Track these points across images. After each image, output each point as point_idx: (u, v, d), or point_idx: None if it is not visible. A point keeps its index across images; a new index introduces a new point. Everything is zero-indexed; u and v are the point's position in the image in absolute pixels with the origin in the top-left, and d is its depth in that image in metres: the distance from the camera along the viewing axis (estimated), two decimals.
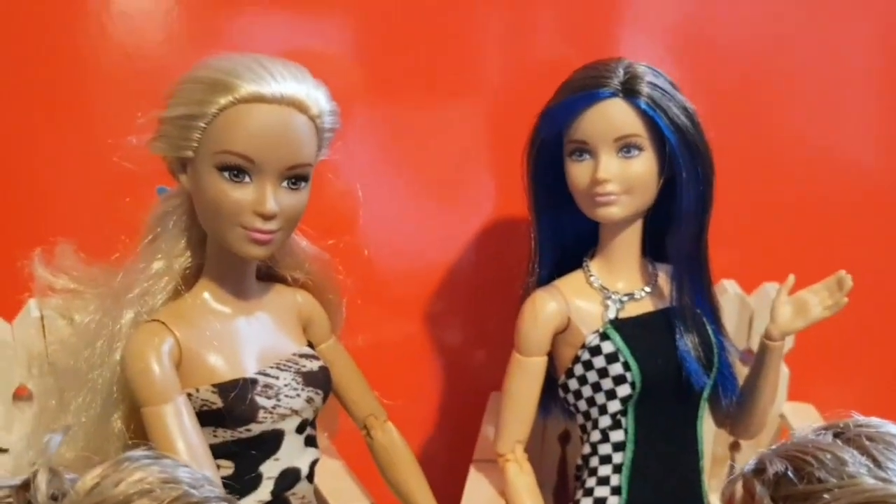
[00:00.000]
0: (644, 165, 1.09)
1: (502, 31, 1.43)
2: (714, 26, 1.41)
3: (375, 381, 1.23)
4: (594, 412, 1.15)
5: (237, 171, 0.95)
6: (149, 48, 1.37)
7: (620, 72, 1.08)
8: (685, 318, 1.14)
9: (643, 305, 1.16)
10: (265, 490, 1.04)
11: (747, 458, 0.72)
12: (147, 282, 1.02)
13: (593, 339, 1.13)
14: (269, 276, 1.13)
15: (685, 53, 1.42)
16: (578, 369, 1.14)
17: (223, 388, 0.99)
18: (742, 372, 1.24)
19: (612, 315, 1.14)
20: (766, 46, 1.41)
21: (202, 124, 0.94)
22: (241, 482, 1.02)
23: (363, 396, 1.21)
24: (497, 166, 1.45)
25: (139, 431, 0.99)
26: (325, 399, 1.10)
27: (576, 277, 1.18)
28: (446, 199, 1.47)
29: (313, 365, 1.09)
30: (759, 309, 1.39)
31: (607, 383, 1.12)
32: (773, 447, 0.71)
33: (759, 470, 0.69)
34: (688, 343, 1.13)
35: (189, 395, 0.99)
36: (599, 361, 1.13)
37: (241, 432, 1.00)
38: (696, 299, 1.16)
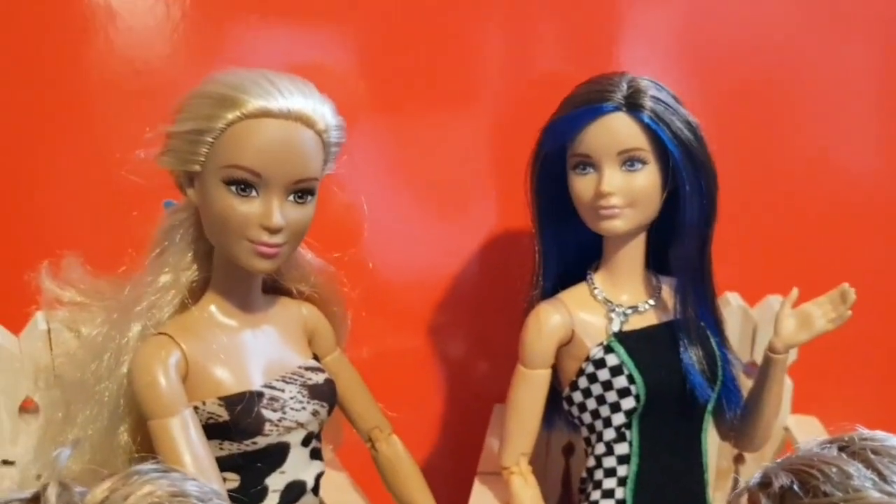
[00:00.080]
0: (647, 179, 1.10)
1: (506, 46, 1.44)
2: (716, 41, 1.42)
3: (380, 393, 1.24)
4: (598, 425, 1.15)
5: (244, 185, 0.95)
6: (156, 63, 1.38)
7: (624, 86, 1.09)
8: (689, 331, 1.14)
9: (647, 318, 1.16)
10: (271, 503, 1.04)
11: (751, 471, 0.73)
12: (154, 295, 1.02)
13: (597, 352, 1.13)
14: (274, 288, 1.13)
15: (688, 67, 1.43)
16: (583, 382, 1.15)
17: (229, 401, 1.00)
18: (746, 384, 1.24)
19: (616, 328, 1.15)
20: (769, 60, 1.42)
21: (210, 139, 0.95)
22: (247, 495, 1.02)
23: (368, 409, 1.21)
24: (501, 179, 1.46)
25: (146, 444, 0.99)
26: (330, 412, 1.10)
27: (580, 290, 1.18)
28: (450, 212, 1.48)
29: (319, 378, 1.09)
30: (762, 321, 1.39)
31: (611, 396, 1.13)
32: (778, 461, 0.71)
33: (764, 483, 0.69)
34: (692, 356, 1.13)
35: (195, 407, 0.99)
36: (604, 374, 1.13)
37: (247, 445, 1.00)
38: (699, 312, 1.16)
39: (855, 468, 0.67)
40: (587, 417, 1.16)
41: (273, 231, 0.96)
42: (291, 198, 0.98)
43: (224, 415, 0.99)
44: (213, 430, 0.99)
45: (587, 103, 1.10)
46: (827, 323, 1.13)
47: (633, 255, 1.16)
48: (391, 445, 1.23)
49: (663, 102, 1.09)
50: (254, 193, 0.96)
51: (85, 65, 1.38)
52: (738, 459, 1.45)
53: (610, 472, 1.15)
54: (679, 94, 1.13)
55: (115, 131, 1.35)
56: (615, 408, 1.13)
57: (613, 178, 1.09)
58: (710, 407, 1.16)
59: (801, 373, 1.39)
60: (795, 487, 0.67)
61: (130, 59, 1.38)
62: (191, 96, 0.97)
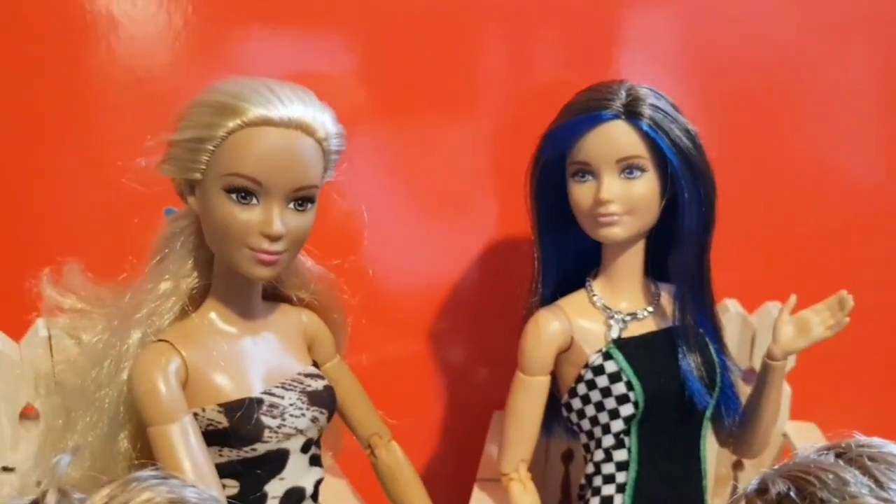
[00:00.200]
0: (646, 186, 1.10)
1: (506, 53, 1.44)
2: (715, 49, 1.42)
3: (380, 400, 1.24)
4: (597, 431, 1.15)
5: (245, 193, 0.96)
6: (158, 71, 1.39)
7: (623, 94, 1.09)
8: (688, 338, 1.15)
9: (646, 325, 1.17)
10: None
11: (750, 478, 0.73)
12: (154, 302, 1.03)
13: (596, 359, 1.14)
14: (274, 295, 1.13)
15: (687, 75, 1.43)
16: (581, 388, 1.15)
17: (229, 408, 1.00)
18: (745, 391, 1.24)
19: (615, 334, 1.15)
20: (768, 68, 1.42)
21: (210, 147, 0.96)
22: (247, 501, 1.03)
23: (367, 415, 1.22)
24: (500, 187, 1.46)
25: (145, 451, 1.00)
26: (329, 418, 1.10)
27: (579, 297, 1.18)
28: (450, 220, 1.48)
29: (318, 384, 1.10)
30: (761, 328, 1.40)
31: (610, 402, 1.13)
32: (776, 467, 0.71)
33: (761, 490, 0.70)
34: (690, 362, 1.13)
35: (195, 414, 0.99)
36: (602, 381, 1.13)
37: (247, 452, 1.01)
38: (698, 319, 1.16)
39: (852, 475, 0.67)
40: (586, 424, 1.16)
41: (273, 239, 0.97)
42: (292, 205, 0.98)
43: (223, 421, 0.99)
44: (212, 437, 1.00)
45: (586, 111, 1.10)
46: (825, 330, 1.13)
47: (631, 262, 1.17)
48: (391, 452, 1.23)
49: (662, 110, 1.10)
50: (254, 201, 0.96)
51: (87, 73, 1.38)
52: (737, 466, 1.45)
53: (609, 479, 1.15)
54: (678, 102, 1.14)
55: (117, 139, 1.36)
56: (614, 414, 1.13)
57: (612, 186, 1.09)
58: (708, 413, 1.16)
59: (800, 379, 1.39)
60: (792, 494, 0.67)
61: (132, 67, 1.39)
62: (191, 105, 0.98)
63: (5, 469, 1.18)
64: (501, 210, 1.47)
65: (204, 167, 0.97)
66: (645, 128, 1.08)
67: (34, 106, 1.39)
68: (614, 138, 1.09)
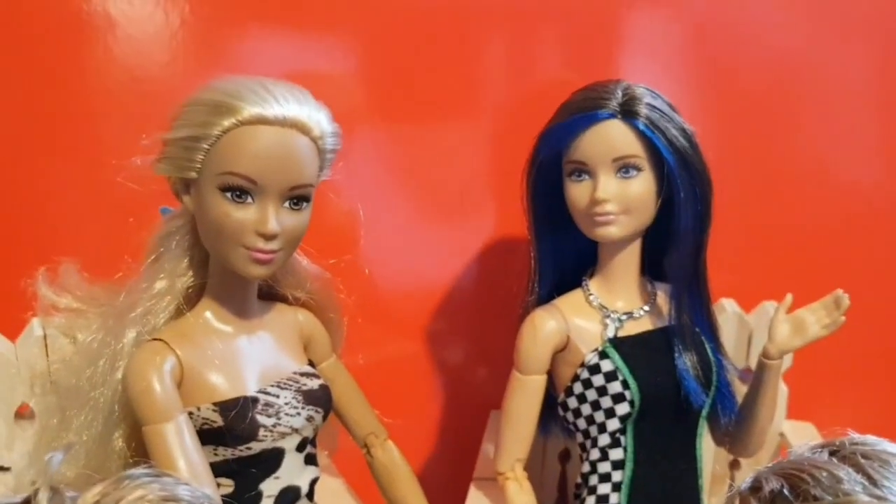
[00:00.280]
0: (642, 186, 1.10)
1: (504, 53, 1.44)
2: (712, 48, 1.42)
3: (376, 399, 1.24)
4: (593, 430, 1.15)
5: (240, 191, 0.96)
6: (154, 71, 1.39)
7: (619, 93, 1.09)
8: (684, 337, 1.15)
9: (642, 324, 1.17)
10: None
11: (746, 478, 0.73)
12: (150, 301, 1.03)
13: (592, 358, 1.14)
14: (270, 295, 1.13)
15: (685, 76, 1.43)
16: (578, 388, 1.15)
17: (224, 407, 1.00)
18: (741, 390, 1.24)
19: (611, 334, 1.15)
20: (765, 68, 1.42)
21: (205, 146, 0.95)
22: (242, 500, 1.03)
23: (363, 415, 1.22)
24: (497, 186, 1.46)
25: (140, 450, 1.00)
26: (325, 417, 1.10)
27: (575, 296, 1.18)
28: (446, 219, 1.48)
29: (314, 383, 1.10)
30: (757, 328, 1.40)
31: (606, 402, 1.13)
32: (769, 465, 0.71)
33: (755, 488, 0.70)
34: (686, 361, 1.14)
35: (190, 413, 0.99)
36: (598, 380, 1.13)
37: (242, 450, 1.01)
38: (694, 318, 1.16)
39: (845, 472, 0.67)
40: (582, 423, 1.16)
41: (268, 237, 0.97)
42: (287, 204, 0.98)
43: (218, 420, 0.99)
44: (207, 436, 1.00)
45: (582, 110, 1.10)
46: (821, 329, 1.13)
47: (628, 261, 1.17)
48: (387, 451, 1.23)
49: (658, 110, 1.10)
50: (249, 200, 0.96)
51: (83, 72, 1.38)
52: (734, 465, 1.45)
53: (605, 478, 1.15)
54: (677, 102, 1.14)
55: (114, 139, 1.36)
56: (610, 413, 1.13)
57: (608, 185, 1.09)
58: (704, 412, 1.16)
59: (797, 379, 1.39)
60: (786, 491, 0.67)
61: (129, 66, 1.39)
62: (187, 103, 0.98)
63: (1, 468, 1.18)
64: (498, 209, 1.47)
65: (199, 166, 0.97)
66: (641, 127, 1.08)
67: (30, 105, 1.39)
68: (611, 138, 1.09)
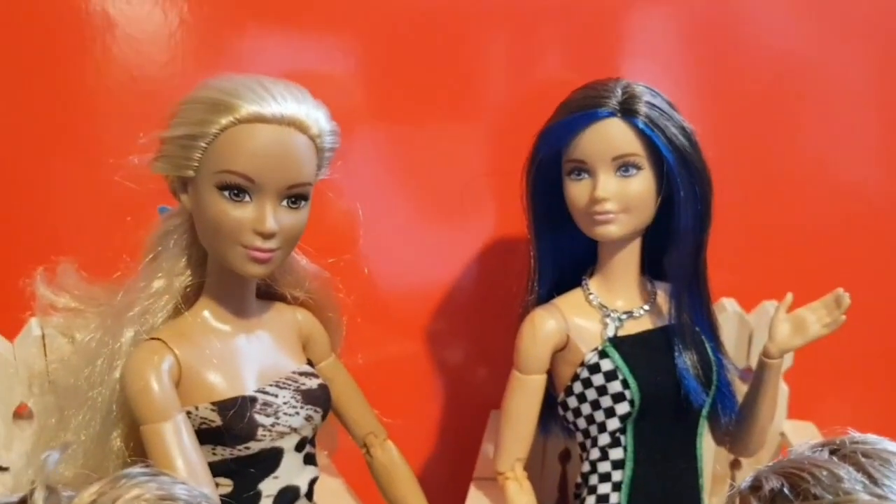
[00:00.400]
0: (642, 184, 1.10)
1: (504, 52, 1.44)
2: (712, 47, 1.42)
3: (375, 399, 1.24)
4: (593, 430, 1.15)
5: (237, 190, 0.95)
6: (153, 70, 1.38)
7: (619, 91, 1.09)
8: (684, 336, 1.14)
9: (642, 323, 1.16)
10: None
11: (746, 477, 0.73)
12: (147, 300, 1.03)
13: (592, 357, 1.13)
14: (268, 294, 1.13)
15: (683, 75, 1.43)
16: (577, 387, 1.15)
17: (222, 406, 1.00)
18: (741, 390, 1.24)
19: (610, 333, 1.15)
20: (765, 67, 1.42)
21: (203, 144, 0.95)
22: (240, 500, 1.02)
23: (363, 415, 1.21)
24: (496, 185, 1.46)
25: (138, 449, 0.99)
26: (324, 417, 1.10)
27: (575, 296, 1.18)
28: (446, 218, 1.48)
29: (313, 383, 1.09)
30: (758, 327, 1.39)
31: (606, 401, 1.12)
32: (770, 464, 0.71)
33: (755, 487, 0.69)
34: (687, 361, 1.13)
35: (188, 413, 0.99)
36: (598, 379, 1.13)
37: (240, 450, 1.00)
38: (694, 317, 1.16)
39: (845, 471, 0.67)
40: (582, 423, 1.16)
41: (266, 236, 0.96)
42: (285, 203, 0.98)
43: (217, 420, 0.99)
44: (205, 436, 0.99)
45: (582, 109, 1.10)
46: (821, 328, 1.13)
47: (627, 260, 1.17)
48: (386, 451, 1.23)
49: (658, 108, 1.09)
50: (247, 198, 0.96)
51: (81, 71, 1.38)
52: (735, 465, 1.45)
53: (605, 477, 1.15)
54: (677, 101, 1.13)
55: (112, 138, 1.35)
56: (610, 413, 1.13)
57: (608, 184, 1.09)
58: (704, 412, 1.16)
59: (798, 378, 1.39)
60: (786, 490, 0.67)
61: (128, 65, 1.39)
62: (184, 102, 0.98)
63: None
64: (498, 209, 1.47)
65: (196, 164, 0.96)
66: (641, 125, 1.08)
67: (28, 104, 1.38)
68: (610, 136, 1.09)
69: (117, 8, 1.37)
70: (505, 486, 1.18)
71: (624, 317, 1.16)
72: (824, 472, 0.67)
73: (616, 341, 1.14)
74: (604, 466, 1.15)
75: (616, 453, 1.14)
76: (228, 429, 0.99)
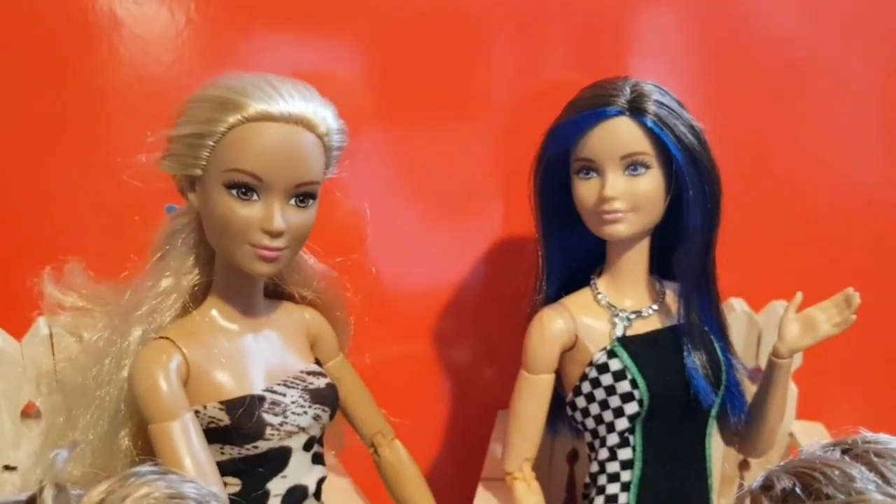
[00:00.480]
0: (651, 183, 1.09)
1: (511, 52, 1.44)
2: (721, 46, 1.42)
3: (383, 398, 1.23)
4: (602, 430, 1.15)
5: (245, 188, 0.95)
6: (160, 69, 1.39)
7: (627, 90, 1.09)
8: (693, 336, 1.14)
9: (651, 323, 1.16)
10: None
11: (756, 477, 0.72)
12: (155, 299, 1.02)
13: (601, 357, 1.13)
14: (276, 293, 1.13)
15: (693, 75, 1.43)
16: (586, 387, 1.14)
17: (230, 405, 0.99)
18: (751, 390, 1.23)
19: (619, 332, 1.14)
20: (773, 66, 1.42)
21: (211, 142, 0.95)
22: (248, 499, 1.02)
23: (371, 414, 1.21)
24: (504, 184, 1.46)
25: (146, 448, 0.99)
26: (332, 416, 1.10)
27: (583, 295, 1.18)
28: (454, 218, 1.48)
29: (320, 382, 1.09)
30: (767, 327, 1.39)
31: (615, 401, 1.12)
32: (781, 463, 0.71)
33: (766, 486, 0.69)
34: (695, 360, 1.13)
35: (196, 412, 0.99)
36: (607, 379, 1.12)
37: (249, 449, 1.00)
38: (703, 317, 1.16)
39: (858, 471, 0.66)
40: (591, 422, 1.16)
41: (274, 235, 0.96)
42: (293, 202, 0.98)
43: (225, 419, 0.99)
44: (214, 435, 0.99)
45: (590, 107, 1.09)
46: (831, 327, 1.13)
47: (636, 259, 1.16)
48: (394, 451, 1.22)
49: (667, 107, 1.09)
50: (255, 197, 0.96)
51: (89, 70, 1.38)
52: (744, 465, 1.45)
53: (613, 478, 1.15)
54: (685, 101, 1.13)
55: (119, 137, 1.35)
56: (619, 412, 1.12)
57: (616, 183, 1.09)
58: (713, 412, 1.15)
59: (807, 379, 1.39)
60: (798, 490, 0.66)
61: (135, 64, 1.39)
62: (192, 100, 0.97)
63: (7, 468, 1.18)
64: (506, 208, 1.47)
65: (204, 163, 0.96)
66: (649, 124, 1.07)
67: (36, 104, 1.39)
68: (619, 135, 1.08)
69: (124, 8, 1.37)
70: (513, 487, 1.18)
71: (633, 316, 1.16)
72: (836, 472, 0.66)
73: (625, 341, 1.13)
74: (612, 466, 1.15)
75: (625, 453, 1.14)
76: (237, 428, 0.99)
